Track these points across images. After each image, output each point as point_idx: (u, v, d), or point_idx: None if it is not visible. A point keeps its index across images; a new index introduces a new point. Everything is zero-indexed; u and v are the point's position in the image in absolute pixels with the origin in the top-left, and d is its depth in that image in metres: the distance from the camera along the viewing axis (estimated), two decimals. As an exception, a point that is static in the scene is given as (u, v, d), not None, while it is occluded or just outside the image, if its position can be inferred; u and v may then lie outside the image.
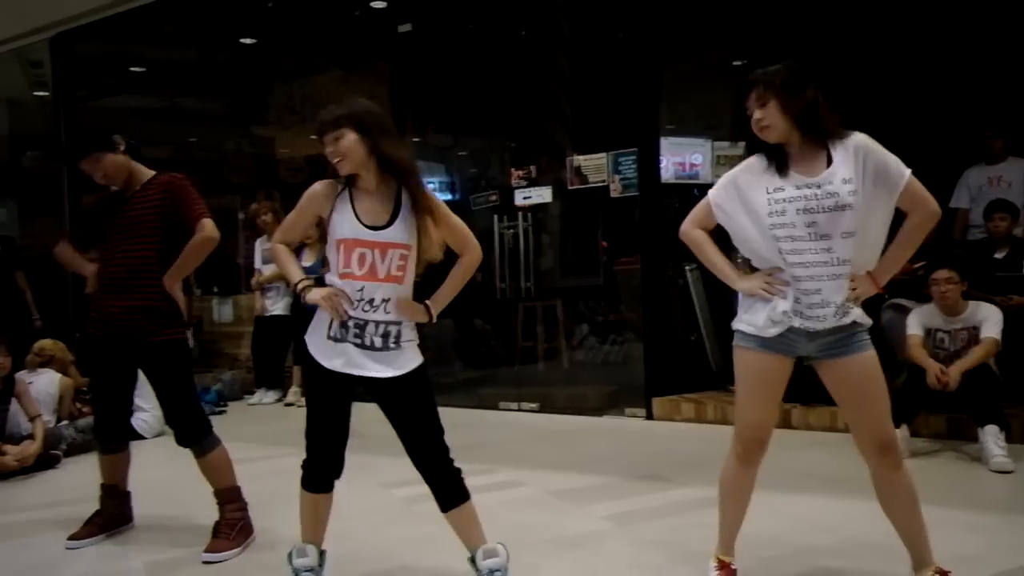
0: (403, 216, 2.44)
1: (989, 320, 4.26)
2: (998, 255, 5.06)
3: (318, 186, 2.51)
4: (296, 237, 2.65)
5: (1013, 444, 4.08)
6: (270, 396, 6.93)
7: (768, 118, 2.30)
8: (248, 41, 8.12)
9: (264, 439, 5.09)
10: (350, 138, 2.40)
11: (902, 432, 4.21)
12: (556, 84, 7.47)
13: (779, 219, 2.30)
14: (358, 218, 2.42)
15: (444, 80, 7.44)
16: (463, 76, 7.41)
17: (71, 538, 3.32)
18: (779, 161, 2.34)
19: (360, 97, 2.52)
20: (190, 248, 3.17)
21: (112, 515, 3.43)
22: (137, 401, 5.53)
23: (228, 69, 8.41)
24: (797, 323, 2.34)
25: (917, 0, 5.84)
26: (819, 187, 2.27)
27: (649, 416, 5.62)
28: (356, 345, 2.44)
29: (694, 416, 5.45)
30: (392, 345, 2.45)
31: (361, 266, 2.40)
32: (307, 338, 2.52)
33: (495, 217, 6.70)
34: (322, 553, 2.64)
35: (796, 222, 2.28)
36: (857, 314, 2.33)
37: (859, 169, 2.26)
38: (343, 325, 2.43)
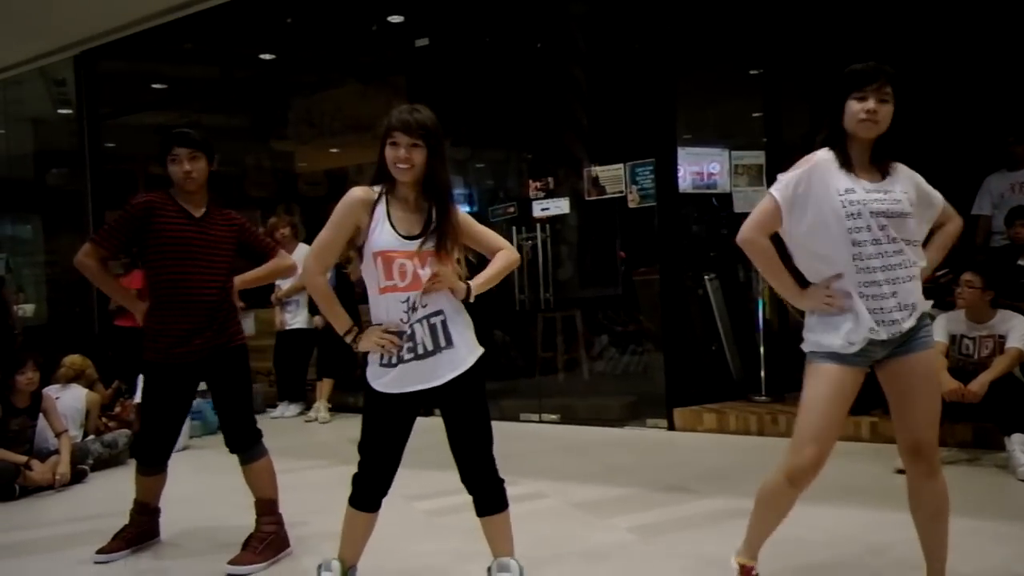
0: (439, 231, 2.44)
1: (1016, 330, 4.22)
2: (1022, 262, 5.01)
3: (358, 192, 2.44)
4: (334, 258, 2.49)
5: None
6: (292, 409, 6.97)
7: (883, 113, 2.28)
8: (267, 57, 8.21)
9: (287, 452, 5.10)
10: (422, 153, 2.38)
11: (927, 441, 4.17)
12: (572, 95, 7.49)
13: (855, 222, 2.26)
14: (395, 229, 2.40)
15: (461, 93, 7.49)
16: (480, 89, 7.45)
17: (100, 551, 3.35)
18: (848, 161, 2.32)
19: (424, 108, 2.45)
20: (275, 268, 3.42)
21: (141, 529, 3.47)
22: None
23: (248, 85, 8.51)
24: (884, 336, 2.28)
25: (937, 7, 5.81)
26: (886, 192, 2.29)
27: (671, 427, 5.60)
28: (411, 359, 2.42)
29: (716, 426, 5.42)
30: (443, 345, 2.42)
31: (403, 278, 2.39)
32: (371, 371, 2.50)
33: (513, 229, 6.72)
34: (350, 570, 2.63)
35: (871, 224, 2.26)
36: (924, 306, 2.35)
37: (909, 188, 2.34)
38: (401, 337, 2.42)
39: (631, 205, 5.91)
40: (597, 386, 6.76)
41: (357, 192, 2.45)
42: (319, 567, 2.64)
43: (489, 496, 2.53)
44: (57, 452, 4.73)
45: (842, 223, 2.26)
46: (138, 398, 5.52)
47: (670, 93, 5.82)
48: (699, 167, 6.13)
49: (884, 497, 3.72)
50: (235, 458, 3.38)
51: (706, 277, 6.13)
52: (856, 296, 2.28)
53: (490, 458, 2.52)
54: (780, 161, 6.24)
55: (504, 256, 2.58)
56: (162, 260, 3.19)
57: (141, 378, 5.58)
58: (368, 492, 2.54)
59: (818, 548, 3.12)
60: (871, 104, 2.26)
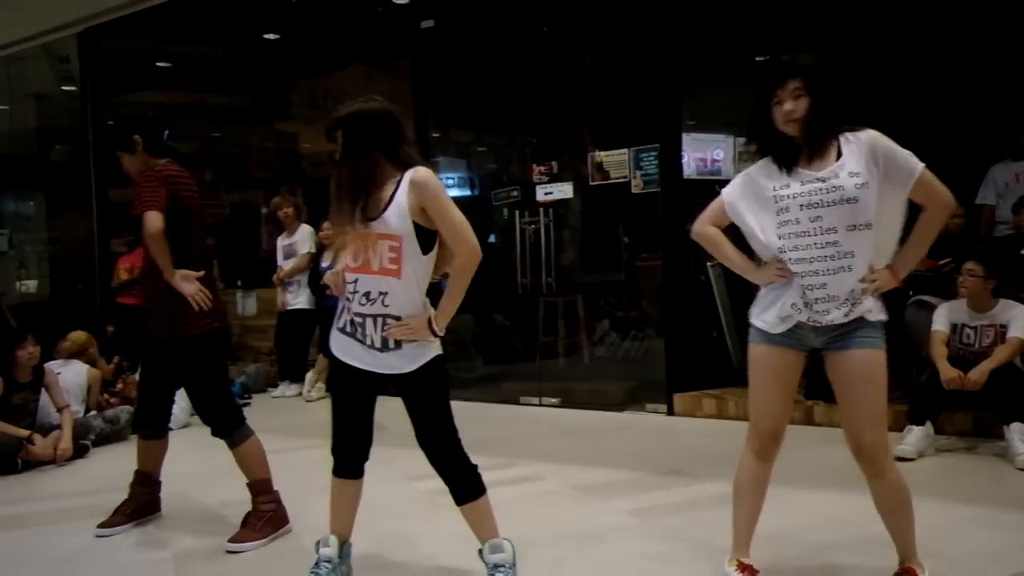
0: (396, 205, 2.39)
1: (1017, 320, 4.22)
2: (1026, 251, 5.00)
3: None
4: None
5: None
6: (293, 389, 7.00)
7: (799, 111, 2.33)
8: (272, 37, 8.18)
9: (288, 431, 5.14)
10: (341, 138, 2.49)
11: (926, 429, 4.19)
12: (578, 80, 7.46)
13: (784, 216, 2.36)
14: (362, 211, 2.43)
15: (466, 76, 7.46)
16: (485, 72, 7.42)
17: (101, 526, 3.38)
18: (788, 158, 2.38)
19: (374, 96, 2.54)
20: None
21: (142, 503, 3.50)
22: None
23: (252, 65, 8.48)
24: (804, 317, 2.37)
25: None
26: (824, 181, 2.31)
27: (670, 412, 5.62)
28: (360, 343, 2.48)
29: (715, 412, 5.44)
30: (392, 347, 2.45)
31: (355, 258, 2.42)
32: (332, 332, 2.57)
33: (516, 213, 6.71)
34: (344, 544, 2.67)
35: (800, 218, 2.33)
36: (865, 308, 2.34)
37: (869, 164, 2.30)
38: (351, 322, 2.49)
39: (635, 190, 5.90)
40: (598, 370, 6.77)
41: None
42: (317, 543, 2.67)
43: (462, 485, 2.55)
44: (59, 427, 4.76)
45: (774, 219, 2.37)
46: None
47: (675, 79, 5.79)
48: (703, 153, 6.12)
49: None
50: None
51: (708, 264, 6.12)
52: (795, 279, 2.37)
53: (455, 448, 2.52)
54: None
55: (456, 268, 2.45)
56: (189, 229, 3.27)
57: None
58: (343, 458, 2.60)
59: (815, 532, 3.13)
60: (786, 105, 2.34)
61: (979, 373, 4.08)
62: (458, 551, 2.94)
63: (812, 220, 2.31)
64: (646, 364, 6.39)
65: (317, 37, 7.84)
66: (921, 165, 2.32)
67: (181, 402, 5.68)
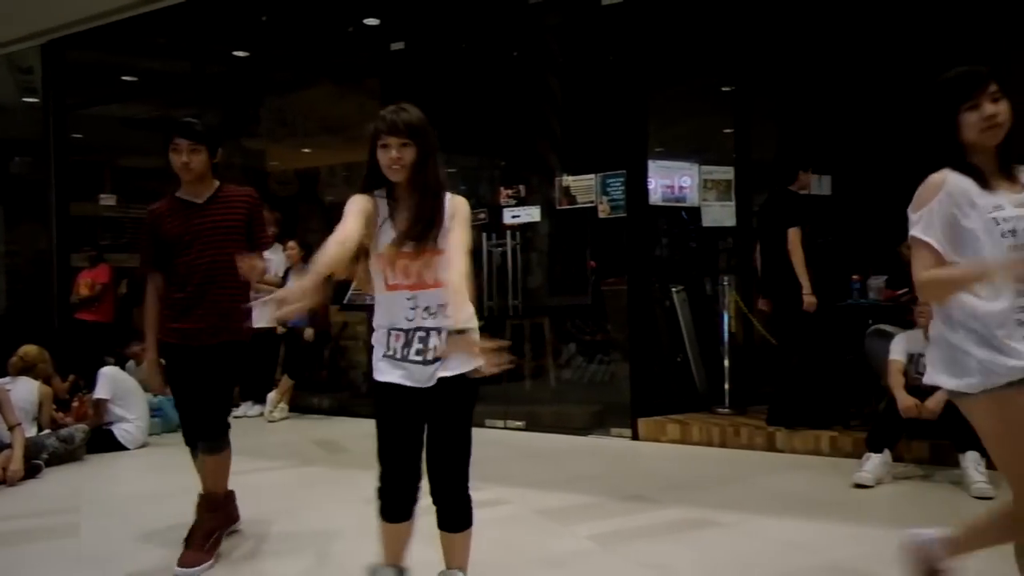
0: (446, 222, 2.40)
1: None
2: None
3: (359, 200, 2.40)
4: (356, 237, 2.34)
5: (993, 471, 4.11)
6: (255, 409, 6.90)
7: (1004, 115, 2.10)
8: (241, 54, 8.14)
9: (250, 452, 5.05)
10: (412, 152, 2.36)
11: (884, 457, 4.25)
12: (547, 105, 7.53)
13: (1012, 240, 2.06)
14: (395, 230, 2.38)
15: (436, 98, 7.48)
16: (455, 95, 7.46)
17: (180, 564, 3.11)
18: (980, 176, 2.13)
19: (416, 109, 2.43)
20: None
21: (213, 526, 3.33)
22: (121, 412, 5.53)
23: (220, 81, 8.43)
24: None
25: (902, 29, 5.92)
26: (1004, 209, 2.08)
27: (635, 436, 5.63)
28: (416, 362, 2.38)
29: (679, 437, 5.46)
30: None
31: (407, 276, 2.38)
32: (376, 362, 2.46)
33: (484, 235, 6.73)
34: (403, 571, 2.59)
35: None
36: None
37: None
38: (406, 343, 2.39)
39: (601, 215, 5.95)
40: (563, 394, 6.78)
41: (358, 199, 2.41)
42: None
43: (456, 512, 2.48)
44: (10, 446, 4.63)
45: (1003, 247, 2.05)
46: (98, 393, 5.45)
47: (643, 106, 5.87)
48: (671, 180, 6.19)
49: (841, 510, 3.79)
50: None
51: (673, 289, 6.19)
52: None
53: (464, 474, 2.47)
54: (748, 178, 6.37)
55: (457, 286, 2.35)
56: (173, 255, 3.24)
57: (101, 373, 5.52)
58: (395, 500, 2.46)
59: (776, 559, 3.14)
60: (987, 109, 2.10)
61: (935, 402, 4.15)
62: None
63: None
64: (611, 388, 6.41)
65: (287, 55, 7.83)
66: None
67: (139, 421, 5.60)
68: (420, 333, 2.39)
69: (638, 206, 5.82)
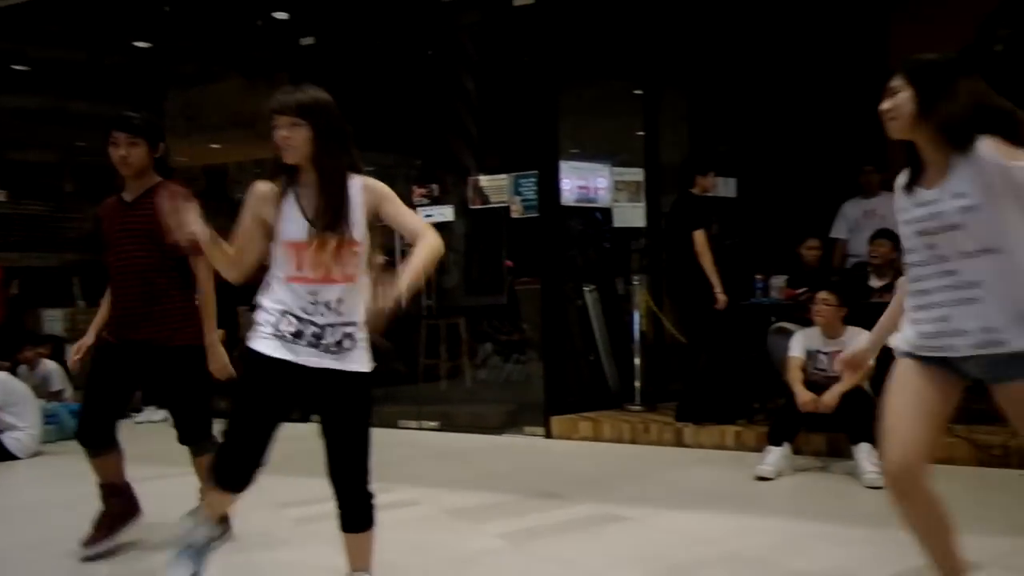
0: (353, 212, 2.33)
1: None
2: (876, 282, 5.33)
3: (258, 185, 2.37)
4: (252, 254, 2.36)
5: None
6: (159, 414, 6.64)
7: (896, 110, 2.11)
8: (142, 44, 7.83)
9: (157, 457, 4.87)
10: (304, 132, 2.28)
11: (783, 450, 4.41)
12: (461, 104, 7.52)
13: (907, 243, 2.14)
14: (306, 217, 2.31)
15: (348, 95, 7.35)
16: (368, 92, 7.36)
17: (86, 544, 3.15)
18: (912, 175, 2.15)
19: (315, 89, 2.37)
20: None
21: (116, 513, 3.28)
22: (11, 419, 5.25)
23: (119, 72, 8.09)
24: (926, 352, 2.14)
25: (806, 38, 6.17)
26: (928, 205, 2.08)
27: (548, 434, 5.68)
28: (307, 346, 2.31)
29: (591, 435, 5.54)
30: (347, 346, 2.34)
31: (314, 270, 2.29)
32: (250, 342, 2.36)
33: (396, 235, 6.66)
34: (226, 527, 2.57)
35: (918, 246, 2.11)
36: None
37: (980, 180, 2.00)
38: (297, 333, 2.30)
39: (514, 215, 5.98)
40: (478, 394, 6.78)
41: (258, 185, 2.37)
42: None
43: (357, 513, 2.44)
44: None
45: (917, 245, 2.12)
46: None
47: (554, 107, 5.92)
48: (586, 181, 6.27)
49: (743, 502, 3.91)
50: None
51: (586, 288, 6.27)
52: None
53: (364, 473, 2.42)
54: (658, 180, 6.51)
55: (423, 248, 2.33)
56: (114, 250, 3.20)
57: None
58: (235, 470, 2.37)
59: (679, 551, 3.22)
60: (884, 104, 2.13)
61: (831, 396, 4.33)
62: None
63: (927, 248, 2.09)
64: (526, 387, 6.46)
65: (193, 47, 7.58)
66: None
67: (31, 429, 5.33)
68: (314, 329, 2.32)
69: (550, 206, 5.87)
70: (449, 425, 6.11)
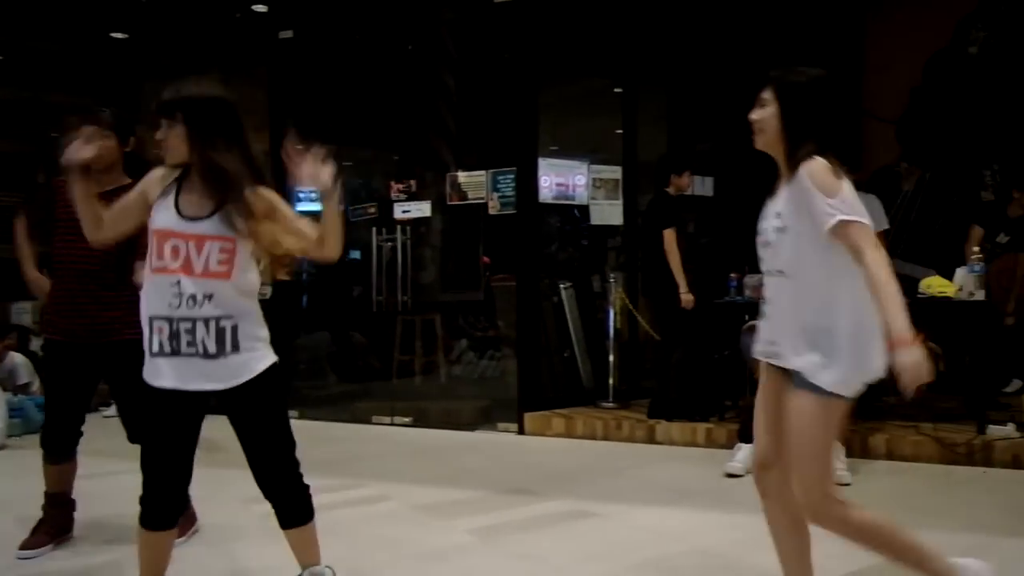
0: (229, 209, 2.24)
1: None
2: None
3: (156, 170, 2.34)
4: (121, 226, 2.36)
5: (851, 459, 4.36)
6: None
7: (762, 121, 2.15)
8: (119, 35, 7.75)
9: (123, 453, 4.83)
10: (179, 132, 2.25)
11: (753, 447, 4.43)
12: (441, 100, 7.50)
13: (765, 251, 2.21)
14: (177, 208, 2.25)
15: (327, 89, 7.34)
16: (347, 87, 7.33)
17: (23, 547, 3.14)
18: (776, 181, 2.19)
19: (211, 82, 2.34)
20: None
21: (59, 524, 3.27)
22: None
23: (95, 63, 7.99)
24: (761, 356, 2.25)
25: (783, 37, 6.19)
26: (765, 219, 2.19)
27: (521, 431, 5.69)
28: (191, 355, 2.22)
29: (564, 431, 5.56)
30: (229, 350, 2.23)
31: (175, 258, 2.22)
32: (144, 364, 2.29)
33: (374, 230, 6.65)
34: None
35: (762, 255, 2.21)
36: (805, 364, 2.06)
37: (794, 204, 2.07)
38: (172, 335, 2.22)
39: (491, 212, 5.98)
40: (453, 390, 6.78)
41: (155, 171, 2.34)
42: None
43: (292, 508, 2.39)
44: None
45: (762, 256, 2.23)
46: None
47: (533, 104, 5.93)
48: (565, 178, 6.28)
49: (712, 499, 3.94)
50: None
51: (561, 285, 6.28)
52: None
53: (291, 468, 2.37)
54: (635, 178, 6.53)
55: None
56: (59, 237, 3.15)
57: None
58: (158, 507, 2.29)
59: (648, 546, 3.24)
60: (753, 113, 2.18)
61: None
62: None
63: (763, 259, 2.20)
64: (500, 384, 6.45)
65: (169, 39, 7.50)
66: (839, 216, 1.98)
67: (0, 422, 5.26)
68: (186, 324, 2.22)
69: (528, 203, 5.88)
70: (423, 421, 6.10)
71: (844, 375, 2.04)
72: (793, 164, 2.07)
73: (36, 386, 6.29)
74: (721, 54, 6.33)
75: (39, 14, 7.59)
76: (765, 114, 2.15)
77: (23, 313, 7.85)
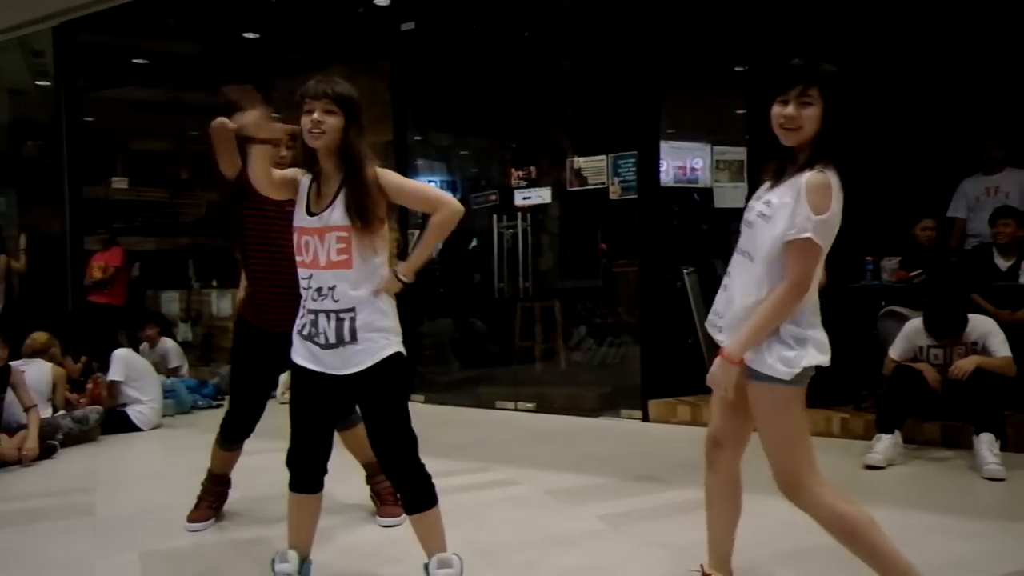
0: (344, 197, 2.38)
1: (993, 336, 4.22)
2: (1002, 262, 5.03)
3: (290, 170, 2.53)
4: (273, 185, 2.46)
5: (1007, 453, 4.09)
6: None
7: (801, 120, 2.09)
8: (251, 35, 8.13)
9: (260, 433, 5.10)
10: (337, 120, 2.36)
11: (894, 438, 4.22)
12: (558, 86, 7.48)
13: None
14: (308, 205, 2.42)
15: (446, 79, 7.45)
16: (465, 76, 7.42)
17: (191, 520, 3.39)
18: (777, 172, 2.17)
19: (342, 81, 2.45)
20: None
21: (220, 500, 3.51)
22: (135, 393, 5.57)
23: (230, 63, 8.42)
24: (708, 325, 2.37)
25: (918, 8, 5.85)
26: (753, 199, 2.22)
27: (645, 418, 5.63)
28: (315, 343, 2.42)
29: (690, 419, 5.46)
30: (348, 339, 2.38)
31: (306, 253, 2.40)
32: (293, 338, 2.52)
33: (494, 217, 6.72)
34: (304, 560, 2.57)
35: (742, 233, 2.24)
36: (757, 357, 2.18)
37: (790, 204, 2.08)
38: (311, 323, 2.42)
39: (612, 197, 5.92)
40: (574, 376, 6.78)
41: (291, 169, 2.54)
42: (273, 559, 2.56)
43: (415, 494, 2.48)
44: (26, 427, 4.68)
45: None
46: (112, 375, 5.50)
47: (655, 87, 5.83)
48: (682, 161, 6.15)
49: (849, 490, 3.76)
50: (206, 438, 3.44)
51: (684, 271, 6.16)
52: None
53: (411, 456, 2.45)
54: (761, 158, 6.30)
55: (435, 222, 2.45)
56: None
57: (115, 355, 5.57)
58: (301, 472, 2.52)
59: (780, 539, 3.14)
60: (789, 109, 2.09)
61: (969, 361, 4.12)
62: (410, 555, 2.93)
63: (741, 238, 2.25)
64: (622, 370, 6.41)
65: (297, 37, 7.80)
66: (806, 234, 2.04)
67: (154, 403, 5.64)
68: (314, 316, 2.42)
69: (649, 187, 5.79)
70: (545, 407, 6.14)
71: (779, 359, 2.16)
72: (809, 167, 2.08)
73: (185, 369, 6.73)
74: (848, 29, 6.02)
75: (179, 19, 8.06)
76: (809, 113, 2.09)
77: (172, 302, 8.38)
